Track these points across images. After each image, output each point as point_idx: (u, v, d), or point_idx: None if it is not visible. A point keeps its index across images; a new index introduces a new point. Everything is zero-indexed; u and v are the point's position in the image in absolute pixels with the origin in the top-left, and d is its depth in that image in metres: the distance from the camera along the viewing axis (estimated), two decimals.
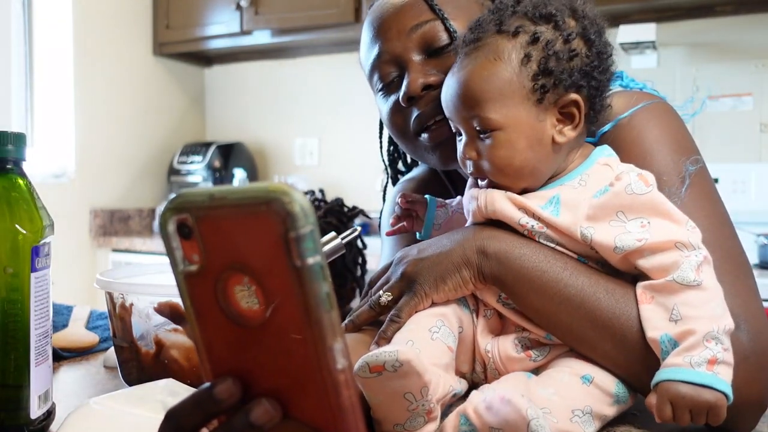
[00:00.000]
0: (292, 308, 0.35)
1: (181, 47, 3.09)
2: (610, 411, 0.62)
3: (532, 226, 0.66)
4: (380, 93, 0.83)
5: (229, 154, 3.02)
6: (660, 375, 0.58)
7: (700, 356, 0.56)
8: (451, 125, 0.71)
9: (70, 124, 2.77)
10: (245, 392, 0.39)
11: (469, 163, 0.69)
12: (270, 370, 0.38)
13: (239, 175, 3.00)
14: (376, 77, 0.82)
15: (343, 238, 0.79)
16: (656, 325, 0.60)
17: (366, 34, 0.83)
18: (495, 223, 0.69)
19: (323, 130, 3.13)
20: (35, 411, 0.64)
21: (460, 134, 0.70)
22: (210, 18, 2.94)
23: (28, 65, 2.78)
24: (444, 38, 0.78)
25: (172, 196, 0.38)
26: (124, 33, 2.98)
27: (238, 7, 2.82)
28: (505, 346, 0.67)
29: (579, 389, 0.61)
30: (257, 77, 3.28)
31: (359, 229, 0.85)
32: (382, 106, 0.83)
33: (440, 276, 0.67)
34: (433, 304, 0.68)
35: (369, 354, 0.58)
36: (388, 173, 1.04)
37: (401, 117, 0.80)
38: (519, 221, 0.66)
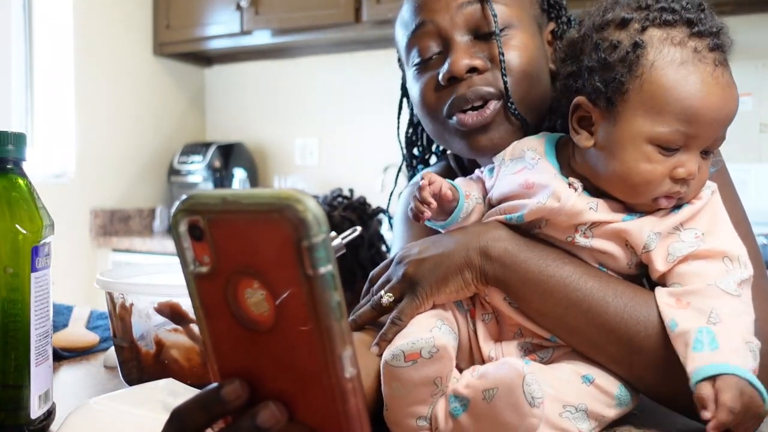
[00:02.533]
0: (301, 315, 0.35)
1: (181, 47, 3.08)
2: (610, 413, 0.61)
3: (583, 232, 0.64)
4: (415, 68, 0.79)
5: (229, 154, 3.02)
6: (722, 368, 0.54)
7: (747, 363, 0.55)
8: (679, 135, 0.61)
9: (70, 124, 2.77)
10: (252, 394, 0.39)
11: (671, 186, 0.62)
12: (277, 374, 0.38)
13: (239, 175, 2.99)
14: (414, 51, 0.78)
15: (343, 238, 0.80)
16: (694, 321, 0.58)
17: (407, 6, 0.79)
18: (498, 223, 0.68)
19: (323, 130, 3.12)
20: (35, 411, 0.64)
21: (674, 150, 0.62)
22: (210, 18, 2.94)
23: (28, 65, 2.77)
24: (493, 24, 0.74)
25: (184, 197, 0.38)
26: (124, 33, 2.97)
27: (238, 7, 2.81)
28: (510, 352, 0.67)
29: (577, 387, 0.61)
30: (257, 77, 3.28)
31: (359, 229, 0.85)
32: (415, 82, 0.79)
33: (442, 278, 0.66)
34: (434, 305, 0.68)
35: (402, 343, 0.58)
36: (403, 155, 1.00)
37: (436, 96, 0.76)
38: (575, 230, 0.64)
